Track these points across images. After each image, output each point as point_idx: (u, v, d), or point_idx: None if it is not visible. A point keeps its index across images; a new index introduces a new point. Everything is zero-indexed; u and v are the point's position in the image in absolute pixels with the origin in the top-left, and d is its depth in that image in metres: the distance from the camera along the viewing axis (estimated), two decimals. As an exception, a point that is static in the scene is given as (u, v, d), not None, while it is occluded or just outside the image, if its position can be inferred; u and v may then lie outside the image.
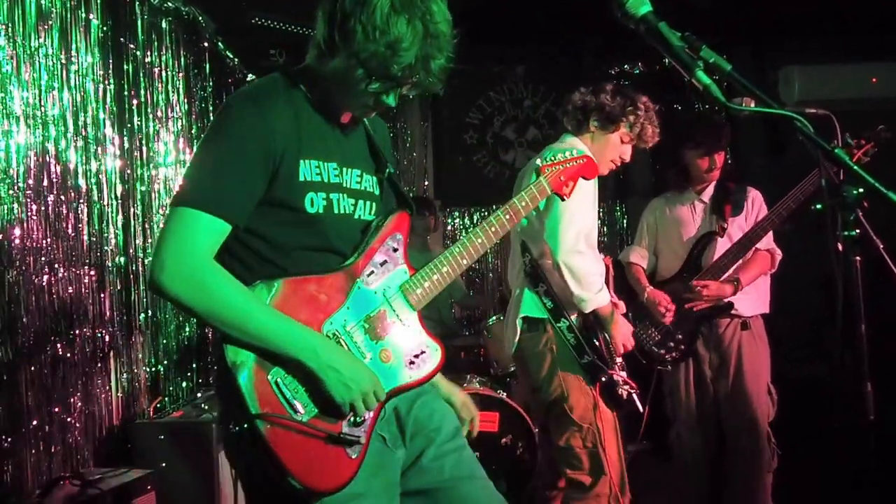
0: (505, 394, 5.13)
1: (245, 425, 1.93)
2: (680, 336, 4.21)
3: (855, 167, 1.62)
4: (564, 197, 2.62)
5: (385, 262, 2.20)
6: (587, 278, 3.37)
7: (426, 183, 7.16)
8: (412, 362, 2.18)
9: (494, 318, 5.42)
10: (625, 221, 7.44)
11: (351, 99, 2.07)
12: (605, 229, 7.40)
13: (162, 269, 1.91)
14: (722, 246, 4.24)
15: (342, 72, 1.98)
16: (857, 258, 2.90)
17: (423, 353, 2.20)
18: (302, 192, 2.05)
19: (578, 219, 3.35)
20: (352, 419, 2.04)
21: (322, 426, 2.00)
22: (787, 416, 4.32)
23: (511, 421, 4.89)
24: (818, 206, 3.96)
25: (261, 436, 1.92)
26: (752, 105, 1.85)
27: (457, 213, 7.28)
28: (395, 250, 2.23)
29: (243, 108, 2.03)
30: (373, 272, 2.17)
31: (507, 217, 2.41)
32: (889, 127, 3.85)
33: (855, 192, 1.69)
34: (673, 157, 4.44)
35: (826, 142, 1.70)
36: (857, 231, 2.37)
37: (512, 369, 5.27)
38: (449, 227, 7.32)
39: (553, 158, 2.61)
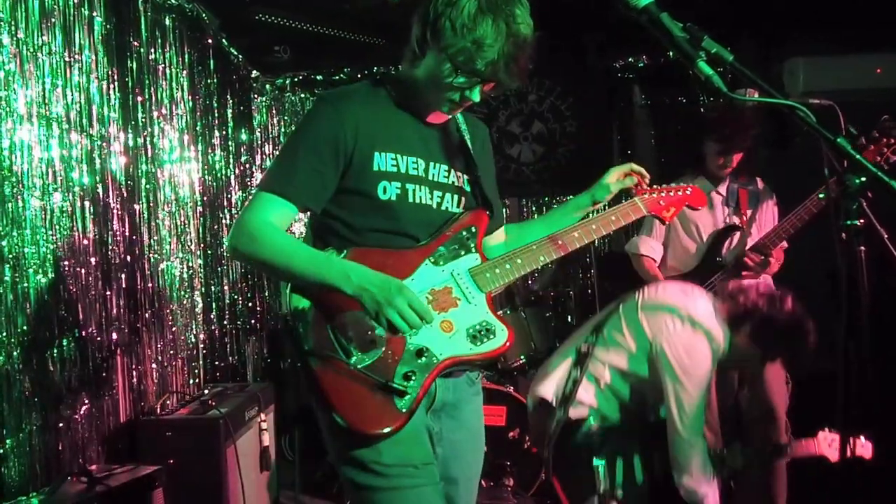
0: (512, 388, 5.14)
1: (299, 362, 2.21)
2: None
3: (857, 156, 1.62)
4: (665, 220, 2.81)
5: (456, 247, 2.40)
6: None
7: (432, 178, 7.15)
8: (475, 337, 2.31)
9: (501, 312, 5.41)
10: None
11: (439, 94, 2.27)
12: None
13: (232, 232, 2.27)
14: (738, 241, 4.26)
15: (432, 68, 2.22)
16: (862, 248, 2.91)
17: (487, 330, 2.33)
18: (375, 181, 2.29)
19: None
20: (405, 373, 2.21)
21: (373, 373, 2.19)
22: (795, 407, 4.30)
23: (518, 415, 4.90)
24: (821, 196, 3.98)
25: (311, 371, 2.19)
26: (755, 95, 1.85)
27: (462, 208, 7.27)
28: (468, 239, 2.42)
29: (319, 107, 2.34)
30: (443, 254, 2.37)
31: (595, 227, 2.59)
32: (893, 118, 3.83)
33: (857, 181, 1.69)
34: (692, 143, 4.43)
35: (830, 132, 1.70)
36: (861, 220, 2.37)
37: (519, 363, 5.27)
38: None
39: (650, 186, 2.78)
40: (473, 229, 2.43)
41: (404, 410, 2.18)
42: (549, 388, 3.43)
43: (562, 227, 2.57)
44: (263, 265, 2.25)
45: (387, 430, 2.17)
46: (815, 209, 3.94)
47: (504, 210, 2.77)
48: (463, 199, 2.46)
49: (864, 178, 1.68)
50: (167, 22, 4.83)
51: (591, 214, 2.68)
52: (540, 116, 7.16)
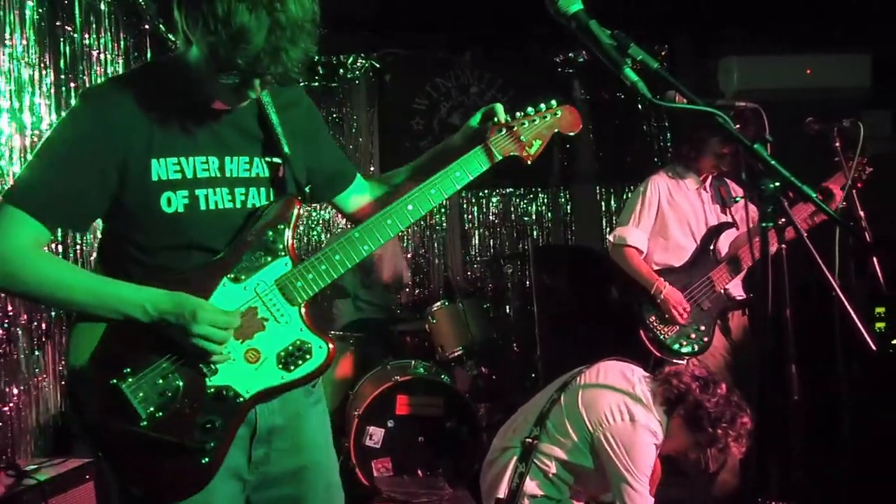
0: (449, 379, 5.18)
1: (84, 432, 1.93)
2: (702, 328, 4.12)
3: (772, 161, 1.68)
4: (527, 159, 2.32)
5: (261, 254, 2.06)
6: None
7: (372, 169, 7.14)
8: (287, 362, 2.04)
9: (439, 303, 5.45)
10: (568, 207, 7.51)
11: (214, 89, 1.95)
12: (549, 216, 7.47)
13: None
14: (728, 236, 4.28)
15: (199, 60, 1.88)
16: (783, 246, 3.01)
17: (301, 351, 2.05)
18: (157, 193, 1.96)
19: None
20: (203, 425, 1.96)
21: (166, 433, 1.93)
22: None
23: (455, 405, 4.94)
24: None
25: (99, 440, 1.94)
26: (680, 101, 1.89)
27: (403, 199, 7.27)
28: (276, 241, 2.07)
29: (80, 110, 1.98)
30: (244, 266, 2.04)
31: (433, 191, 2.21)
32: (818, 119, 3.93)
33: (772, 185, 1.75)
34: (690, 136, 4.32)
35: (755, 134, 1.76)
36: (783, 220, 2.45)
37: (456, 354, 5.31)
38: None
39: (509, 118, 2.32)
40: (280, 227, 2.07)
41: (209, 464, 1.97)
42: (502, 488, 3.53)
43: (431, 177, 2.21)
44: (31, 298, 1.98)
45: (190, 491, 1.98)
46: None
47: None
48: (268, 190, 2.12)
49: (778, 183, 1.74)
50: (102, 7, 4.75)
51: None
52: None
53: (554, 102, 2.39)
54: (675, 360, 4.05)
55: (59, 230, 2.01)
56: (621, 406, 3.34)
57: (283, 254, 2.07)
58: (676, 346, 4.08)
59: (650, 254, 4.39)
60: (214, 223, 2.03)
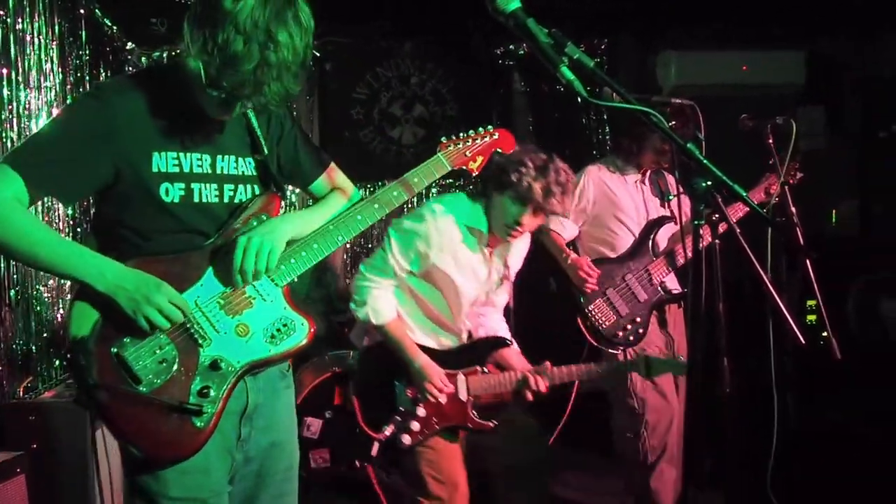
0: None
1: (86, 396, 2.08)
2: (638, 319, 4.14)
3: (704, 160, 1.71)
4: (472, 172, 2.79)
5: None
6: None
7: (312, 158, 7.10)
8: (273, 336, 2.28)
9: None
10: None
11: (203, 98, 2.15)
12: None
13: None
14: (668, 230, 4.31)
15: (194, 71, 2.09)
16: (717, 241, 3.06)
17: (285, 326, 2.30)
18: (156, 183, 2.18)
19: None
20: (199, 390, 2.16)
21: (165, 396, 2.12)
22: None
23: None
24: (669, 197, 4.14)
25: (100, 404, 2.08)
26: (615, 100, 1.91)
27: (343, 189, 7.24)
28: None
29: (90, 100, 2.23)
30: None
31: (395, 194, 2.56)
32: (752, 115, 3.99)
33: (703, 184, 1.78)
34: (631, 130, 4.28)
35: (688, 131, 1.79)
36: (717, 216, 2.49)
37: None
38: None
39: (455, 136, 2.76)
40: (264, 217, 2.34)
41: (203, 427, 2.15)
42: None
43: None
44: (2, 247, 2.08)
45: (186, 451, 2.15)
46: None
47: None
48: (254, 186, 2.38)
49: (709, 182, 1.77)
50: (36, -10, 4.64)
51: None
52: (421, 100, 7.20)
53: (490, 127, 2.88)
54: (609, 350, 4.11)
55: (44, 197, 2.19)
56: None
57: None
58: (612, 336, 4.10)
59: (584, 243, 4.42)
60: (207, 213, 2.27)
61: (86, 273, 2.08)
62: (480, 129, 2.84)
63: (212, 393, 2.16)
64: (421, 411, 3.50)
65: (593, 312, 4.08)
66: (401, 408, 3.50)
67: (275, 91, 2.06)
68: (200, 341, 2.19)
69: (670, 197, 4.15)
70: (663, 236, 4.32)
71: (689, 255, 2.31)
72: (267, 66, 2.01)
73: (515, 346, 3.72)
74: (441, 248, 3.40)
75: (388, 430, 3.47)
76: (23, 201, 2.07)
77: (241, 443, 2.32)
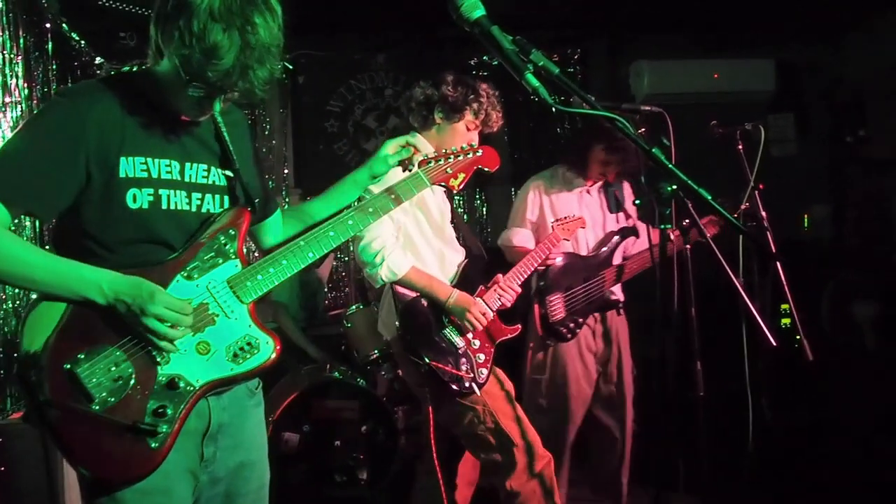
0: (365, 382, 5.17)
1: (35, 414, 1.98)
2: (580, 320, 4.26)
3: (670, 165, 1.72)
4: (454, 189, 2.73)
5: (213, 255, 2.22)
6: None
7: (286, 171, 7.08)
8: (236, 355, 2.19)
9: (354, 307, 5.42)
10: (484, 209, 7.56)
11: (179, 100, 2.11)
12: (466, 217, 7.50)
13: None
14: (627, 244, 4.43)
15: (169, 73, 2.05)
16: (688, 246, 3.09)
17: (249, 345, 2.21)
18: (124, 188, 2.10)
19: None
20: (155, 409, 2.06)
21: (119, 416, 2.02)
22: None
23: (372, 408, 4.94)
24: (637, 202, 4.17)
25: (49, 423, 1.98)
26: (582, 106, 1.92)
27: (318, 202, 7.22)
28: (227, 244, 2.25)
29: (56, 104, 2.13)
30: (197, 266, 2.20)
31: (371, 209, 2.50)
32: (721, 122, 4.04)
33: (669, 188, 1.79)
34: (575, 143, 4.43)
35: (655, 137, 1.80)
36: (687, 221, 2.51)
37: (373, 357, 5.30)
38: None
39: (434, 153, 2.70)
40: (232, 232, 2.26)
41: (158, 448, 2.06)
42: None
43: (340, 207, 2.55)
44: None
45: (139, 473, 2.06)
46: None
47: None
48: (224, 197, 2.31)
49: (675, 186, 1.78)
50: (0, 4, 4.60)
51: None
52: (396, 111, 7.21)
53: (475, 144, 2.83)
54: (547, 342, 4.26)
55: (24, 216, 2.11)
56: None
57: (233, 257, 2.25)
58: (556, 330, 4.20)
59: None
60: (173, 222, 2.18)
61: (87, 290, 2.02)
62: (464, 145, 2.79)
63: (168, 412, 2.07)
64: (475, 342, 3.55)
65: (551, 303, 4.15)
66: (459, 349, 3.51)
67: (260, 76, 2.02)
68: (158, 359, 2.09)
69: (637, 202, 4.19)
70: (620, 248, 4.42)
71: (656, 257, 2.32)
72: (250, 49, 1.97)
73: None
74: None
75: (465, 374, 3.47)
76: (4, 223, 2.00)
77: (206, 463, 2.23)
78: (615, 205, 4.45)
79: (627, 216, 4.47)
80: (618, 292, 4.45)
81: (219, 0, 1.94)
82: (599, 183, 4.45)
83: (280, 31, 2.07)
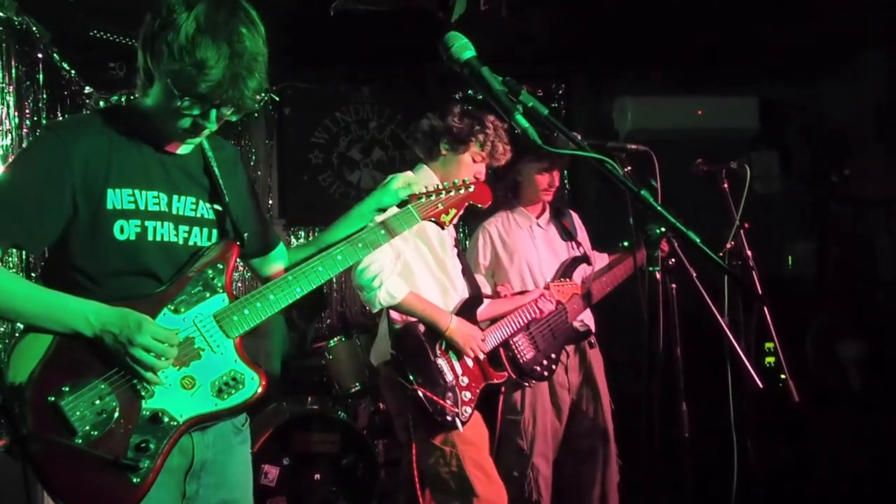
0: (346, 415, 5.13)
1: (18, 446, 1.96)
2: (552, 356, 4.15)
3: (658, 207, 1.71)
4: (444, 225, 2.72)
5: (200, 289, 2.21)
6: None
7: (271, 202, 7.06)
8: (221, 390, 2.17)
9: (336, 339, 5.39)
10: (467, 242, 7.53)
11: (171, 122, 2.11)
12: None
13: None
14: (581, 271, 4.36)
15: (159, 94, 2.07)
16: (673, 286, 3.08)
17: (234, 381, 2.19)
18: (111, 220, 2.10)
19: None
20: (138, 444, 2.04)
21: (101, 450, 2.00)
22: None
23: (352, 442, 4.90)
24: (625, 244, 4.16)
25: (31, 456, 1.96)
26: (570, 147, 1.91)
27: (302, 233, 7.21)
28: (214, 279, 2.23)
29: (43, 138, 2.16)
30: (184, 299, 2.18)
31: (360, 245, 2.48)
32: (707, 160, 4.04)
33: (658, 230, 1.78)
34: (505, 172, 4.26)
35: (641, 179, 1.79)
36: (673, 260, 2.50)
37: (354, 390, 5.25)
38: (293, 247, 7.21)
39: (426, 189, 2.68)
40: (220, 266, 2.24)
41: (139, 483, 2.03)
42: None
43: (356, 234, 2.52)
44: None
45: None
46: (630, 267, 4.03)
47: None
48: (212, 230, 2.29)
49: (663, 228, 1.77)
50: (-8, 35, 4.60)
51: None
52: (380, 144, 7.23)
53: (467, 180, 2.79)
54: (523, 383, 4.12)
55: (12, 248, 2.12)
56: None
57: (221, 291, 2.23)
58: (529, 370, 4.09)
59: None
60: (160, 254, 2.17)
61: (73, 322, 2.01)
62: (456, 181, 2.77)
63: (151, 447, 2.04)
64: (464, 379, 3.49)
65: (517, 344, 4.07)
66: (448, 382, 3.43)
67: (251, 86, 2.04)
68: (143, 392, 2.07)
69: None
70: (578, 276, 4.34)
71: (644, 296, 2.30)
72: (238, 58, 1.99)
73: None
74: None
75: (449, 406, 3.38)
76: None
77: (188, 501, 2.20)
78: (566, 234, 4.44)
79: (578, 244, 4.44)
80: (588, 322, 4.38)
81: (204, 14, 1.98)
82: (547, 213, 4.43)
83: (264, 45, 2.09)
